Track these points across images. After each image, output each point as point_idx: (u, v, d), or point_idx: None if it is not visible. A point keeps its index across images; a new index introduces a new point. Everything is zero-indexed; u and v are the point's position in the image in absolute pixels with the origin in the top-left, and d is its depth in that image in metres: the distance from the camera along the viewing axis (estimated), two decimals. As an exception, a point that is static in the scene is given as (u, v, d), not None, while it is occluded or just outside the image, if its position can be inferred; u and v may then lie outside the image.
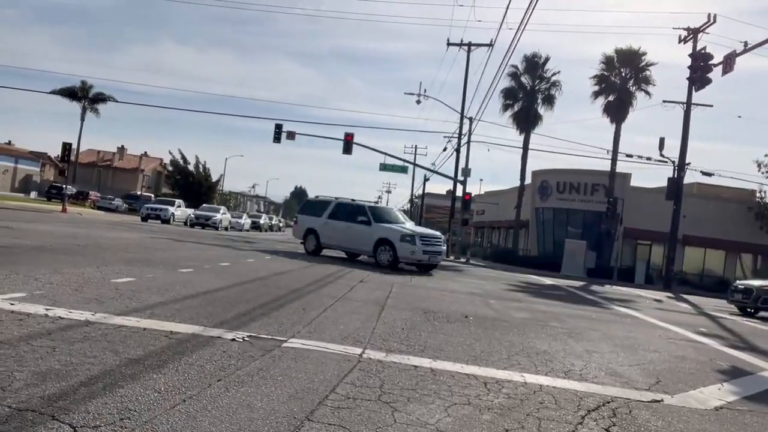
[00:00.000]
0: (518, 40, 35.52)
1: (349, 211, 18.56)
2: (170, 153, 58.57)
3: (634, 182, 38.85)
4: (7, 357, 3.56)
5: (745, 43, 21.00)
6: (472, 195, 42.61)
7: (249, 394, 3.44)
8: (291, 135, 35.24)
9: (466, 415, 3.60)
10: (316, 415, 3.23)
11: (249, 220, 48.09)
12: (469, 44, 39.57)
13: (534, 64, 39.82)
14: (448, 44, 39.75)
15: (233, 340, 4.83)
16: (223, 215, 39.92)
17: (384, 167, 40.77)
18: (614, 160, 35.29)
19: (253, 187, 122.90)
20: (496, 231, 55.87)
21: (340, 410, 3.37)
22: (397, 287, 11.71)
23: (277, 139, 34.59)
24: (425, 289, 12.39)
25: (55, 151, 58.20)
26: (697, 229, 35.56)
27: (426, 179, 65.98)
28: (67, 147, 34.92)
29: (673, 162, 29.80)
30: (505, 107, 40.19)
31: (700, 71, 25.30)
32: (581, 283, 24.99)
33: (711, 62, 24.53)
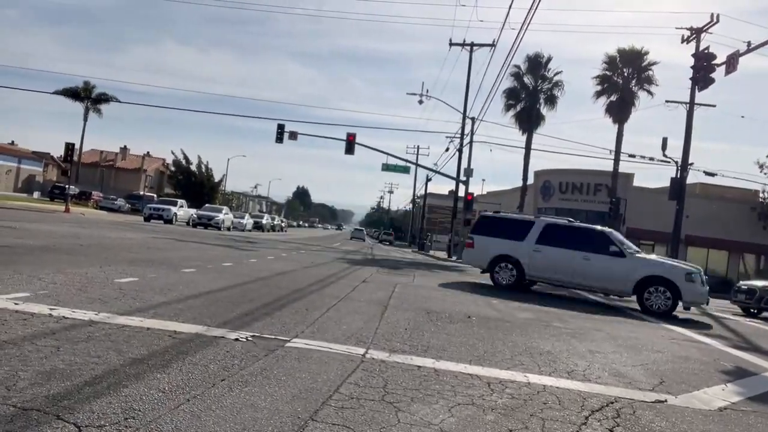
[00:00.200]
0: (521, 40, 35.55)
1: (574, 237, 14.63)
2: (173, 153, 58.73)
3: (636, 182, 38.88)
4: (11, 357, 3.56)
5: (749, 43, 20.93)
6: (475, 195, 42.58)
7: (253, 394, 3.44)
8: (293, 135, 35.25)
9: (470, 416, 3.59)
10: (320, 415, 3.23)
11: (251, 221, 48.11)
12: (472, 44, 39.57)
13: (536, 64, 39.82)
14: (451, 44, 39.78)
15: (237, 339, 4.84)
16: (225, 215, 39.96)
17: (386, 167, 40.75)
18: (617, 160, 35.30)
19: (256, 187, 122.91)
20: (498, 231, 55.70)
21: (344, 410, 3.37)
22: (400, 287, 11.71)
23: (279, 139, 34.61)
24: (428, 289, 12.38)
25: (57, 152, 58.24)
26: (700, 229, 35.52)
27: (428, 179, 66.01)
28: (69, 147, 35.00)
29: (676, 162, 29.75)
30: (508, 107, 40.22)
31: (703, 71, 25.23)
32: (584, 284, 24.89)
33: (714, 62, 24.44)
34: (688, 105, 28.80)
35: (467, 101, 39.92)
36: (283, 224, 69.75)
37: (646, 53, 35.53)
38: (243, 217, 46.22)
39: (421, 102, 41.14)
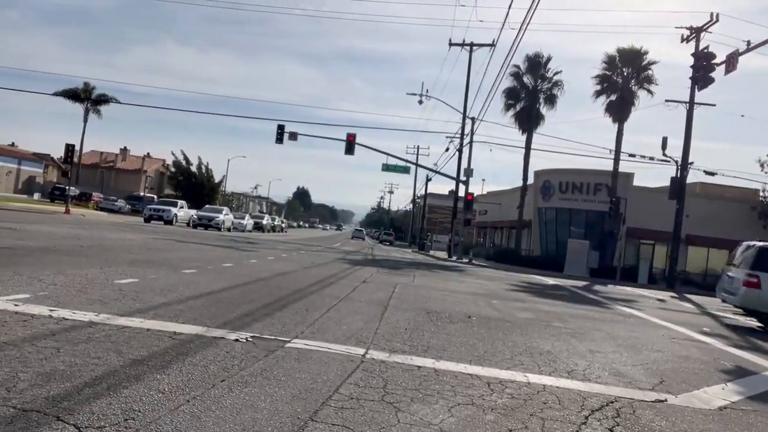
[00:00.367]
0: (520, 40, 35.46)
1: None
2: (173, 154, 58.67)
3: (636, 182, 38.80)
4: (11, 358, 3.57)
5: (748, 42, 20.94)
6: (475, 195, 42.61)
7: (253, 395, 3.45)
8: (293, 136, 35.27)
9: (470, 416, 3.60)
10: (320, 416, 3.23)
11: (252, 221, 48.12)
12: (471, 44, 39.60)
13: (536, 64, 39.79)
14: (450, 44, 39.81)
15: (236, 340, 4.84)
16: (225, 216, 39.93)
17: (386, 168, 40.74)
18: (617, 160, 35.23)
19: (256, 187, 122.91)
20: (498, 231, 55.81)
21: (344, 410, 3.37)
22: (400, 288, 11.71)
23: (279, 139, 34.62)
24: (428, 289, 12.38)
25: (58, 153, 58.27)
26: (701, 228, 35.48)
27: (428, 179, 66.03)
28: (70, 148, 34.98)
29: (676, 161, 29.75)
30: (508, 107, 40.17)
31: (702, 70, 25.25)
32: (584, 283, 24.96)
33: (714, 61, 24.47)
34: (687, 104, 28.81)
35: (467, 101, 39.99)
36: (283, 225, 69.78)
37: (646, 53, 35.47)
38: (243, 218, 46.21)
39: (421, 102, 41.22)
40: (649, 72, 35.31)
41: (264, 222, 52.59)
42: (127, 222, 31.94)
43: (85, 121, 57.33)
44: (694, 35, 27.19)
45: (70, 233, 15.78)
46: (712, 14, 26.94)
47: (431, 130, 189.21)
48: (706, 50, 25.61)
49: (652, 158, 33.78)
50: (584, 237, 36.28)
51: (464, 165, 39.26)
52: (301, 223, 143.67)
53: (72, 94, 56.16)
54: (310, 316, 6.65)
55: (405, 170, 43.38)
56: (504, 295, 13.34)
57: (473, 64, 40.02)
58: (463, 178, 39.09)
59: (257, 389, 3.57)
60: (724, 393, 5.23)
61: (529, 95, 39.79)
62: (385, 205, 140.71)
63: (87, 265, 8.67)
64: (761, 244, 13.05)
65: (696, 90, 27.54)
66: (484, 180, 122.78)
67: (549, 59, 39.94)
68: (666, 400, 4.64)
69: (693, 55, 26.75)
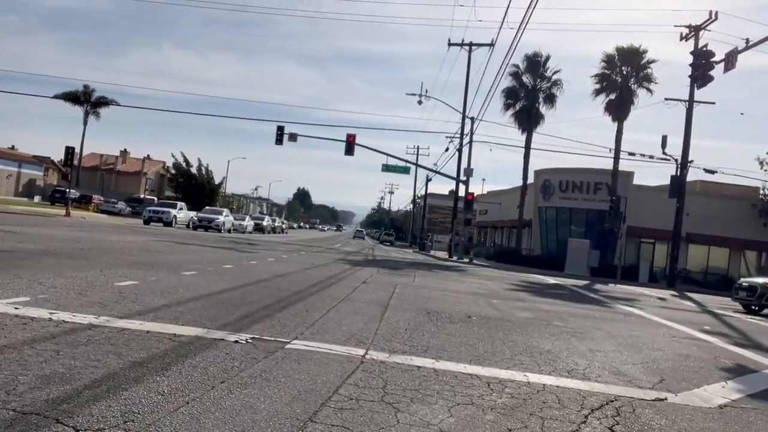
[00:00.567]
0: (519, 39, 35.33)
1: None
2: (173, 156, 58.72)
3: (636, 180, 38.80)
4: (11, 361, 3.57)
5: (747, 40, 20.94)
6: (475, 195, 42.60)
7: (252, 396, 3.45)
8: (293, 137, 35.29)
9: (469, 415, 3.60)
10: (319, 417, 3.24)
11: (252, 222, 48.11)
12: (470, 44, 39.63)
13: (535, 63, 39.80)
14: (449, 44, 39.85)
15: (236, 342, 4.84)
16: (225, 218, 39.92)
17: (386, 168, 40.74)
18: (617, 159, 35.24)
19: (256, 189, 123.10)
20: (498, 231, 55.80)
21: (343, 411, 3.38)
22: (401, 288, 11.71)
23: (279, 141, 34.64)
24: (428, 289, 12.38)
25: (58, 156, 58.40)
26: (701, 227, 35.46)
27: (428, 180, 66.04)
28: (70, 151, 35.01)
29: (676, 160, 29.75)
30: (507, 106, 40.18)
31: (701, 69, 25.25)
32: (585, 282, 24.96)
33: (713, 59, 24.47)
34: (687, 102, 28.82)
35: (466, 101, 40.02)
36: (283, 226, 69.77)
37: (645, 51, 35.47)
38: (244, 219, 46.20)
39: (420, 102, 41.28)
40: (649, 71, 35.33)
41: (264, 223, 52.59)
42: (127, 224, 31.95)
43: (85, 123, 57.34)
44: (693, 33, 27.19)
45: (70, 236, 15.79)
46: (711, 12, 26.96)
47: (431, 130, 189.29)
48: (705, 48, 25.62)
49: (651, 157, 33.81)
50: (584, 236, 36.28)
51: (464, 165, 39.31)
52: (302, 224, 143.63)
53: (72, 97, 56.20)
54: (310, 317, 6.65)
55: (405, 170, 43.39)
56: (504, 295, 13.34)
57: (472, 64, 40.03)
58: (463, 178, 39.10)
59: (257, 391, 3.58)
60: (725, 391, 5.23)
61: (529, 95, 39.80)
62: (386, 206, 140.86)
63: (87, 268, 8.67)
64: None
65: (695, 88, 27.55)
66: (484, 180, 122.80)
67: (548, 58, 39.98)
68: (666, 399, 4.64)
69: (692, 53, 26.76)
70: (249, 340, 4.95)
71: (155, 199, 57.43)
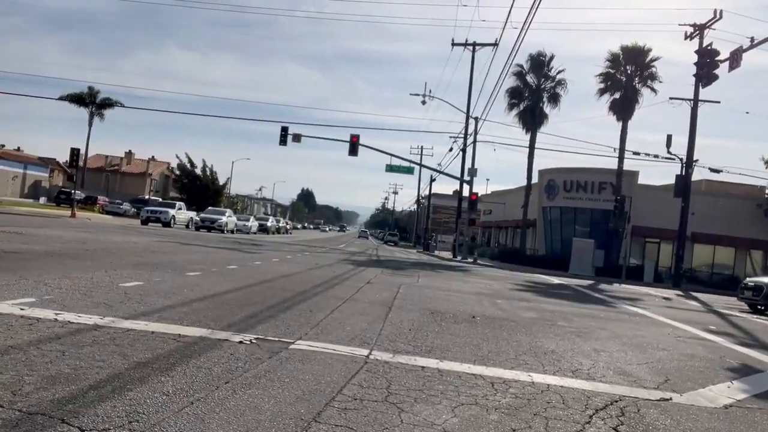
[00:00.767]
0: (523, 39, 35.50)
1: None
2: (177, 157, 58.99)
3: (641, 180, 38.71)
4: (17, 361, 3.59)
5: (752, 39, 20.86)
6: (479, 195, 42.56)
7: (256, 396, 3.46)
8: (297, 137, 35.35)
9: (473, 416, 3.60)
10: (324, 417, 3.24)
11: (256, 223, 48.20)
12: (474, 44, 39.58)
13: (539, 63, 39.73)
14: (453, 44, 39.79)
15: (241, 342, 4.86)
16: (228, 218, 39.80)
17: (390, 168, 40.77)
18: (621, 158, 35.12)
19: (260, 189, 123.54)
20: (503, 231, 55.75)
21: (347, 411, 3.38)
22: (405, 288, 11.71)
23: (283, 141, 34.70)
24: (432, 289, 12.38)
25: (63, 157, 58.67)
26: (706, 226, 35.34)
27: (432, 180, 65.93)
28: (75, 152, 35.15)
29: (681, 159, 29.67)
30: (511, 106, 40.12)
31: (706, 67, 25.16)
32: (589, 282, 24.89)
33: (717, 58, 24.37)
34: (692, 102, 28.73)
35: (470, 101, 39.96)
36: (288, 226, 69.86)
37: (649, 50, 35.34)
38: (248, 220, 46.26)
39: (424, 102, 41.17)
40: (653, 70, 35.21)
41: (268, 224, 52.70)
42: (131, 225, 32.05)
43: (90, 125, 57.63)
44: (697, 32, 27.11)
45: (75, 237, 15.86)
46: (715, 11, 26.89)
47: (435, 130, 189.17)
48: (709, 47, 25.54)
49: (656, 156, 33.74)
50: (589, 236, 36.19)
51: (468, 165, 39.27)
52: (306, 224, 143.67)
53: (77, 99, 56.44)
54: (314, 317, 6.66)
55: (409, 171, 43.43)
56: (508, 295, 13.32)
57: (476, 64, 39.91)
58: (467, 177, 39.06)
59: (261, 391, 3.58)
60: (730, 391, 5.21)
61: (533, 94, 39.74)
62: (390, 206, 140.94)
63: (92, 269, 8.71)
64: None
65: (700, 87, 27.48)
66: (488, 179, 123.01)
67: (552, 58, 39.91)
68: (671, 399, 4.63)
69: (697, 52, 26.68)
70: (253, 341, 4.96)
71: (160, 200, 57.58)
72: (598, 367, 5.64)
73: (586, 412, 3.96)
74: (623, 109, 35.07)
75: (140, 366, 3.81)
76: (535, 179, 40.82)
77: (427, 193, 72.48)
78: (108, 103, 57.64)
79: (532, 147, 39.47)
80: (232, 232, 39.21)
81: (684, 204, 28.96)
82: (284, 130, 34.69)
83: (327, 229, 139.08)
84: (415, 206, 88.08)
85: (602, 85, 36.04)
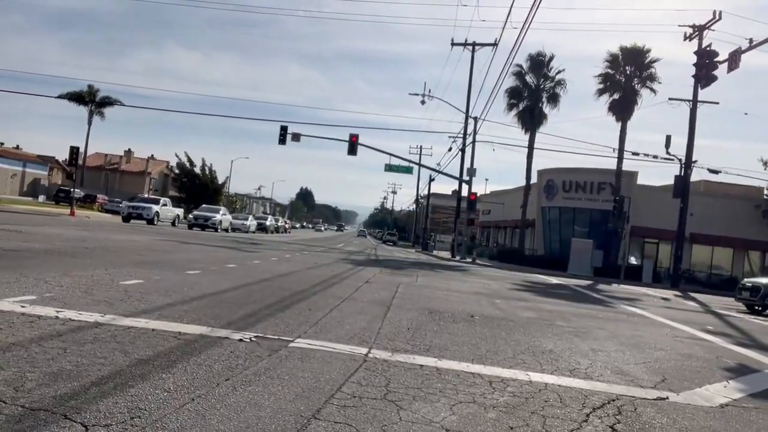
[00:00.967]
0: (522, 39, 35.51)
1: None
2: (176, 156, 59.05)
3: (640, 180, 38.80)
4: (19, 358, 3.62)
5: (750, 40, 20.91)
6: (478, 195, 42.61)
7: (256, 393, 3.49)
8: (296, 137, 35.37)
9: (471, 414, 3.63)
10: (323, 414, 3.27)
11: (255, 222, 48.18)
12: (474, 44, 39.62)
13: (538, 63, 39.78)
14: (453, 44, 39.83)
15: (240, 340, 4.89)
16: (223, 216, 38.96)
17: (389, 168, 40.79)
18: (620, 159, 35.20)
19: (259, 188, 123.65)
20: (502, 231, 55.79)
21: (347, 409, 3.41)
22: (403, 287, 11.75)
23: (282, 140, 34.72)
24: (431, 289, 12.41)
25: (62, 155, 58.73)
26: (705, 227, 35.40)
27: (431, 179, 66.01)
28: (74, 151, 35.18)
29: (680, 160, 29.72)
30: (510, 106, 40.18)
31: (705, 68, 25.22)
32: (588, 282, 24.94)
33: (716, 59, 24.44)
34: (691, 102, 28.78)
35: (470, 101, 40.00)
36: (286, 226, 69.85)
37: (648, 51, 35.43)
38: (247, 219, 46.19)
39: (423, 102, 41.22)
40: (652, 70, 35.29)
41: (267, 223, 52.68)
42: (131, 223, 32.05)
43: (90, 123, 57.61)
44: (696, 33, 27.17)
45: (74, 235, 15.87)
46: (714, 12, 26.95)
47: (434, 130, 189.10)
48: (708, 48, 25.59)
49: (655, 157, 33.82)
50: (588, 236, 36.25)
51: (467, 165, 39.33)
52: (305, 223, 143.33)
53: (76, 97, 56.41)
54: (313, 316, 6.69)
55: (408, 170, 43.44)
56: (507, 295, 13.36)
57: (475, 64, 39.94)
58: (466, 177, 39.10)
59: (261, 388, 3.61)
60: (726, 391, 5.25)
61: (532, 94, 39.79)
62: (389, 206, 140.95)
63: (92, 267, 8.73)
64: None
65: (699, 88, 27.52)
66: (487, 179, 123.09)
67: (551, 58, 39.98)
68: (668, 398, 4.66)
69: (696, 53, 26.73)
70: (253, 339, 4.99)
71: (159, 198, 57.50)
72: (596, 366, 5.68)
73: (584, 410, 4.00)
74: (622, 110, 35.14)
75: (141, 363, 3.84)
76: (534, 179, 40.88)
77: (426, 192, 72.54)
78: (108, 102, 57.63)
79: (531, 147, 39.54)
80: (227, 230, 38.67)
81: (683, 204, 29.02)
82: (284, 129, 34.71)
83: (322, 228, 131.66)
84: (414, 206, 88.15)
85: (601, 86, 36.12)
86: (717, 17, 26.68)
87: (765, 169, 35.68)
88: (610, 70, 36.00)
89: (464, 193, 39.60)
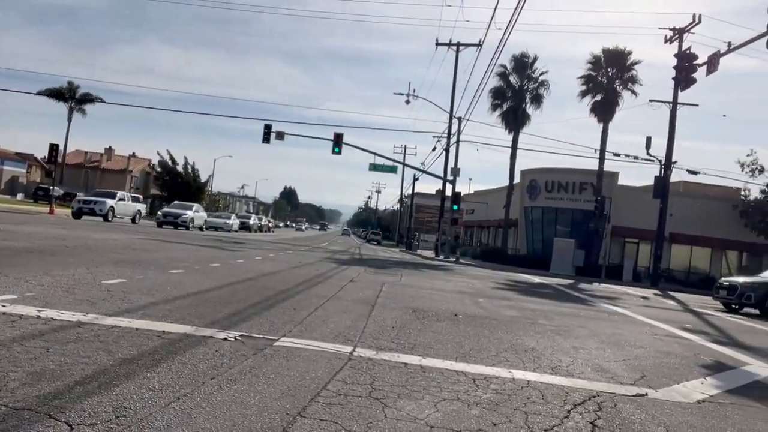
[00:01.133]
0: (506, 40, 35.57)
1: None
2: (158, 154, 58.35)
3: (621, 181, 39.31)
4: (1, 358, 3.58)
5: (729, 44, 21.29)
6: (462, 194, 42.81)
7: (242, 392, 3.50)
8: (280, 135, 35.25)
9: (455, 410, 3.68)
10: (308, 411, 3.30)
11: (238, 221, 47.89)
12: (458, 44, 39.77)
13: (522, 64, 40.09)
14: (437, 44, 39.97)
15: (225, 339, 4.88)
16: (195, 213, 36.40)
17: (373, 167, 40.87)
18: (602, 159, 35.62)
19: (242, 187, 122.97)
20: (485, 230, 56.12)
21: (332, 406, 3.44)
22: (388, 287, 11.78)
23: (266, 139, 34.59)
24: (415, 288, 12.47)
25: (41, 153, 57.82)
26: (684, 227, 36.00)
27: (415, 179, 66.18)
28: (54, 148, 34.65)
29: (660, 161, 30.16)
30: (494, 107, 40.46)
31: (685, 71, 25.61)
32: (570, 281, 25.21)
33: (696, 62, 24.83)
34: (671, 104, 29.23)
35: (454, 101, 40.17)
36: (270, 225, 69.50)
37: (630, 53, 35.90)
38: (230, 218, 45.90)
39: (408, 102, 41.32)
40: (634, 72, 35.78)
41: (251, 222, 52.42)
42: (111, 222, 31.66)
43: (70, 120, 56.75)
44: (677, 36, 27.58)
45: (54, 233, 15.66)
46: (694, 15, 27.37)
47: (418, 129, 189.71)
48: (688, 51, 25.99)
49: (636, 157, 34.23)
50: (570, 236, 36.65)
51: (451, 164, 39.48)
52: (288, 222, 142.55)
53: (56, 94, 55.55)
54: (298, 315, 6.70)
55: (392, 170, 43.56)
56: (490, 294, 13.47)
57: (460, 64, 40.28)
58: (450, 177, 39.27)
59: (246, 386, 3.63)
60: (703, 387, 5.37)
61: (516, 95, 40.10)
62: (373, 205, 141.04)
63: (73, 266, 8.64)
64: None
65: (679, 90, 27.95)
66: (471, 179, 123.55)
67: (535, 59, 40.31)
68: (647, 394, 4.76)
69: (676, 55, 27.14)
70: (238, 338, 4.99)
71: (140, 197, 56.89)
72: (577, 364, 5.77)
73: (565, 407, 4.07)
74: (604, 111, 35.57)
75: (125, 362, 3.82)
76: (517, 179, 41.21)
77: (410, 192, 72.69)
78: (88, 99, 56.82)
79: (514, 147, 39.83)
80: (201, 229, 36.59)
81: (662, 205, 29.46)
82: (267, 127, 34.58)
83: (303, 228, 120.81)
84: (398, 205, 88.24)
85: (584, 87, 36.53)
86: (697, 21, 27.12)
87: (742, 170, 36.33)
88: (592, 72, 36.42)
89: (448, 192, 39.77)
